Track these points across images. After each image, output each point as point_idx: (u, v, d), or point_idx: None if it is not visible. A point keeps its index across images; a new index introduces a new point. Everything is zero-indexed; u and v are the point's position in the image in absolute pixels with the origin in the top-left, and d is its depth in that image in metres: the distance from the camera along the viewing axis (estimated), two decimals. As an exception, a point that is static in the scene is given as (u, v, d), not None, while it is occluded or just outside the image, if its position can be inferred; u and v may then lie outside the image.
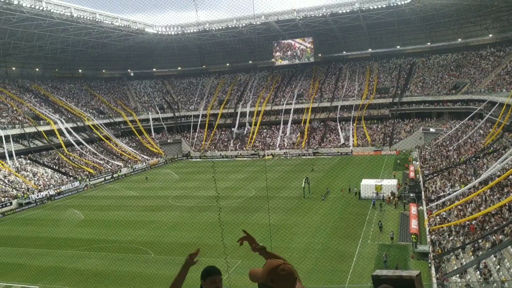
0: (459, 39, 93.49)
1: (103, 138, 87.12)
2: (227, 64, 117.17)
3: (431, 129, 79.06)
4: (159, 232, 41.08)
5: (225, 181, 60.82)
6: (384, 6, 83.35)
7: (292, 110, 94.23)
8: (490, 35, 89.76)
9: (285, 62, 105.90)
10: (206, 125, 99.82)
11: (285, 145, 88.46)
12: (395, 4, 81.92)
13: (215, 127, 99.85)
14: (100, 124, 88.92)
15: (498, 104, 59.60)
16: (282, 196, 50.60)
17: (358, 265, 30.73)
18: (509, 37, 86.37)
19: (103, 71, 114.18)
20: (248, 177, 65.49)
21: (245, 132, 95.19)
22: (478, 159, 51.26)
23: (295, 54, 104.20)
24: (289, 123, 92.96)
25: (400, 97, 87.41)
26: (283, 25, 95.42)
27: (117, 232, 41.51)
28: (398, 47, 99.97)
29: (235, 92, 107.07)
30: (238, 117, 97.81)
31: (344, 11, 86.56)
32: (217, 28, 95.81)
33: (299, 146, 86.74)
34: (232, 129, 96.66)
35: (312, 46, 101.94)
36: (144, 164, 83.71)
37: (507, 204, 34.23)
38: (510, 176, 39.24)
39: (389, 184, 49.27)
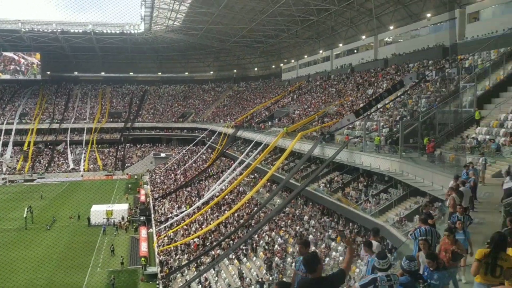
0: (186, 73, 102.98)
1: None
2: None
3: (162, 154, 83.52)
4: None
5: None
6: (118, 32, 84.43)
7: (13, 130, 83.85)
8: (211, 72, 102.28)
9: (6, 77, 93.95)
10: None
11: (3, 170, 77.68)
12: (128, 32, 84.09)
13: None
14: None
15: (217, 133, 67.98)
16: (-2, 229, 44.23)
17: (87, 296, 29.54)
18: (226, 75, 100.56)
19: None
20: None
21: None
22: (201, 182, 56.78)
23: (19, 69, 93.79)
24: (10, 145, 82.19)
25: (133, 122, 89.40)
26: (5, 35, 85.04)
27: None
28: (131, 73, 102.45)
29: None
30: None
31: (76, 31, 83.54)
32: None
33: (22, 171, 77.65)
34: None
35: (39, 63, 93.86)
36: None
37: (223, 221, 39.07)
38: (226, 196, 45.06)
39: (120, 208, 49.44)
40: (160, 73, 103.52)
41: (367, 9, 51.50)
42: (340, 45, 61.72)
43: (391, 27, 49.35)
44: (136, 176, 76.19)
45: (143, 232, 42.77)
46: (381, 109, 36.44)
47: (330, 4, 52.47)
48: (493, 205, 13.80)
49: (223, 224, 39.32)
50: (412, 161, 23.66)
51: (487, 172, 17.82)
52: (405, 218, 22.31)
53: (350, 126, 36.70)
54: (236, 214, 40.00)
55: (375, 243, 7.79)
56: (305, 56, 73.49)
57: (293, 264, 6.33)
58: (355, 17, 55.45)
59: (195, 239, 37.79)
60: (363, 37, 54.95)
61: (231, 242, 34.91)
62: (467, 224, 9.11)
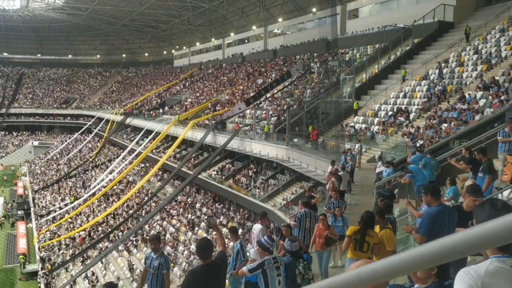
0: (70, 55, 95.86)
1: None
2: None
3: (41, 143, 77.13)
4: None
5: None
6: (-13, 7, 75.63)
7: None
8: (98, 56, 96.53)
9: None
10: None
11: None
12: (1, 8, 75.71)
13: None
14: None
15: (104, 120, 64.71)
16: None
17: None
18: (114, 59, 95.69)
19: None
20: None
21: None
22: (87, 172, 53.82)
23: None
24: None
25: (8, 108, 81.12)
26: None
27: None
28: (6, 54, 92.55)
29: None
30: None
31: None
32: None
33: None
34: None
35: None
36: None
37: (112, 213, 37.63)
38: (115, 187, 43.37)
39: (-6, 203, 44.95)
40: (39, 55, 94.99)
41: (257, 0, 52.71)
42: (232, 34, 62.41)
43: (280, 19, 51.17)
44: (13, 167, 69.54)
45: (21, 227, 39.39)
46: (270, 99, 37.80)
47: (222, -7, 52.71)
48: (368, 187, 15.25)
49: (112, 215, 37.87)
50: (298, 148, 24.98)
51: (363, 158, 19.56)
52: (292, 202, 23.57)
53: (241, 114, 37.52)
54: (125, 205, 38.75)
55: (258, 226, 8.10)
56: (197, 44, 73.00)
57: (147, 260, 6.20)
58: (246, 7, 56.40)
59: (81, 233, 35.88)
60: (254, 27, 56.20)
61: (120, 233, 33.80)
62: (342, 210, 9.84)
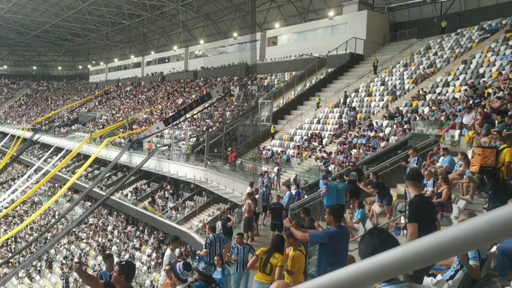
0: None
1: None
2: None
3: None
4: None
5: None
6: None
7: None
8: (5, 67, 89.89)
9: None
10: None
11: None
12: None
13: None
14: None
15: (9, 136, 60.02)
16: None
17: None
18: (22, 71, 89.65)
19: None
20: None
21: None
22: (-14, 192, 49.28)
23: None
24: None
25: None
26: None
27: None
28: None
29: None
30: None
31: None
32: None
33: None
34: None
35: None
36: None
37: (14, 236, 34.74)
38: (18, 207, 40.20)
39: None
40: None
41: (179, 20, 52.76)
42: (152, 52, 61.58)
43: (201, 41, 51.57)
44: None
45: None
46: (189, 119, 37.65)
47: (143, 11, 52.09)
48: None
49: (12, 238, 34.91)
50: (216, 170, 25.04)
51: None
52: (208, 224, 23.42)
53: (159, 134, 36.88)
54: (29, 227, 35.95)
55: (168, 252, 7.97)
56: (115, 60, 70.95)
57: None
58: (168, 27, 56.20)
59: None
60: (175, 47, 56.00)
61: (22, 258, 31.19)
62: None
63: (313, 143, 23.49)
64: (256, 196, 13.81)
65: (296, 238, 6.33)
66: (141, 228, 30.12)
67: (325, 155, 20.53)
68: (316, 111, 27.90)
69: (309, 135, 24.80)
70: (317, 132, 24.74)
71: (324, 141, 23.18)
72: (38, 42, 78.13)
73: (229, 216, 12.32)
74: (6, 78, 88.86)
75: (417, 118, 19.12)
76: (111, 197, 31.07)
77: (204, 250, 8.93)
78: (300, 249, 6.06)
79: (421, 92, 22.26)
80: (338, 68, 31.24)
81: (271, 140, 27.28)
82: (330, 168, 17.91)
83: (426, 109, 19.77)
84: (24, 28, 69.38)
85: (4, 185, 49.62)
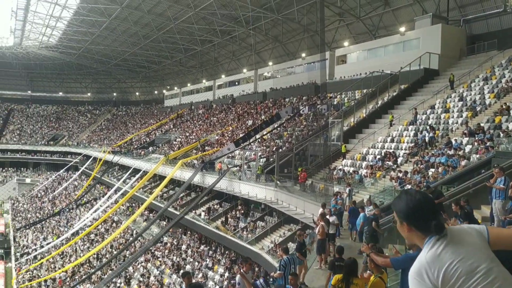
0: (61, 93, 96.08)
1: None
2: None
3: (27, 180, 75.94)
4: None
5: None
6: (-17, 44, 76.17)
7: None
8: (89, 94, 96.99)
9: None
10: None
11: None
12: (-5, 45, 76.41)
13: None
14: None
15: (92, 158, 64.19)
16: None
17: None
18: (104, 98, 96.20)
19: None
20: None
21: None
22: (71, 210, 52.84)
23: None
24: None
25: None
26: None
27: None
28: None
29: None
30: None
31: None
32: None
33: None
34: None
35: None
36: None
37: (95, 253, 36.69)
38: (100, 226, 42.53)
39: (-27, 241, 43.60)
40: (29, 92, 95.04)
41: (248, 44, 54.02)
42: (223, 76, 63.42)
43: (270, 63, 52.30)
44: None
45: (0, 267, 38.10)
46: (259, 140, 38.02)
47: (214, 36, 53.98)
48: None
49: (95, 256, 36.88)
50: (287, 190, 24.92)
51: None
52: (279, 245, 23.24)
53: (230, 155, 37.56)
54: (109, 245, 37.83)
55: (238, 277, 7.93)
56: (188, 84, 73.91)
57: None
58: (237, 50, 57.69)
59: (61, 274, 34.74)
60: (244, 70, 57.25)
61: (103, 275, 32.81)
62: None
63: (387, 162, 22.67)
64: (329, 217, 13.48)
65: (377, 264, 6.04)
66: (213, 248, 30.57)
67: (400, 174, 19.69)
68: (389, 129, 26.98)
69: (383, 154, 23.98)
70: (391, 151, 23.87)
71: (399, 160, 22.28)
72: (118, 70, 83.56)
73: (304, 239, 12.04)
74: (90, 105, 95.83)
75: (501, 134, 17.84)
76: (185, 216, 31.96)
77: (278, 272, 8.81)
78: (382, 277, 5.76)
79: (504, 106, 20.78)
80: (411, 85, 30.10)
81: (342, 159, 26.72)
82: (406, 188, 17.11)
83: (511, 125, 18.40)
84: (106, 58, 74.65)
85: (87, 204, 52.91)
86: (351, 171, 24.29)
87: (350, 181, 22.03)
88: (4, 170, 79.47)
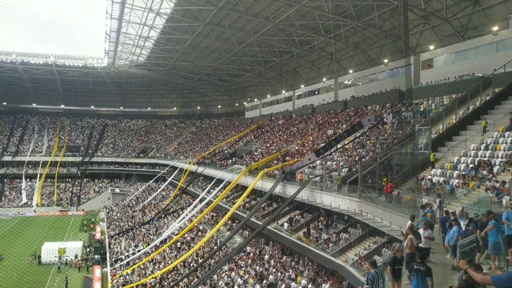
0: (149, 108, 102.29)
1: None
2: None
3: (120, 190, 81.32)
4: None
5: None
6: (80, 65, 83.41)
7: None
8: (175, 108, 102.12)
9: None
10: None
11: None
12: (91, 66, 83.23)
13: None
14: None
15: (178, 169, 67.13)
16: None
17: None
18: (189, 111, 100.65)
19: None
20: None
21: None
22: (160, 219, 55.44)
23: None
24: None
25: (91, 156, 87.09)
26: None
27: None
28: (92, 107, 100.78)
29: None
30: None
31: (37, 62, 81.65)
32: None
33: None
34: None
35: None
36: None
37: (182, 261, 38.03)
38: (186, 235, 44.12)
39: (74, 246, 47.30)
40: (122, 107, 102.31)
41: (327, 53, 53.52)
42: (302, 86, 63.40)
43: (351, 71, 51.31)
44: (92, 212, 73.51)
45: (97, 271, 40.91)
46: (341, 149, 37.28)
47: (293, 47, 54.24)
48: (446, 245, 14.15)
49: (181, 263, 38.26)
50: (371, 201, 24.09)
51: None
52: (364, 258, 22.46)
53: (311, 165, 37.21)
54: (195, 253, 39.06)
55: (327, 286, 7.77)
56: (268, 96, 74.85)
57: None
58: (316, 60, 57.39)
59: (151, 280, 36.42)
60: (324, 79, 56.74)
61: (189, 283, 33.88)
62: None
63: (481, 171, 21.05)
64: (420, 230, 12.75)
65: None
66: (296, 259, 30.33)
67: (497, 185, 18.17)
68: (483, 136, 25.08)
69: (476, 162, 22.32)
70: (485, 159, 22.15)
71: (495, 169, 20.60)
72: (201, 84, 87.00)
73: (402, 255, 11.43)
74: (176, 119, 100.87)
75: None
76: (267, 226, 32.10)
77: (365, 286, 8.49)
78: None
79: None
80: (507, 87, 27.78)
81: (431, 169, 25.27)
82: (505, 200, 15.74)
83: None
84: (190, 73, 78.14)
85: (174, 214, 55.25)
86: (441, 181, 22.90)
87: (440, 191, 20.75)
88: (100, 181, 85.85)
